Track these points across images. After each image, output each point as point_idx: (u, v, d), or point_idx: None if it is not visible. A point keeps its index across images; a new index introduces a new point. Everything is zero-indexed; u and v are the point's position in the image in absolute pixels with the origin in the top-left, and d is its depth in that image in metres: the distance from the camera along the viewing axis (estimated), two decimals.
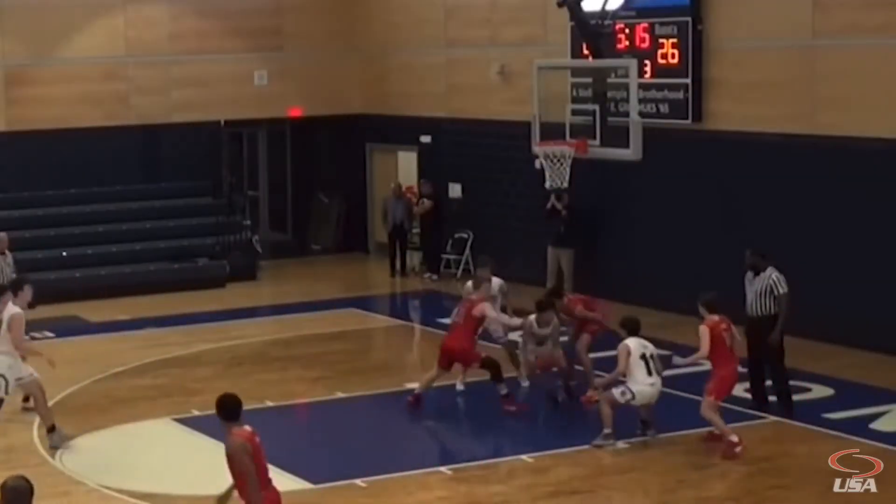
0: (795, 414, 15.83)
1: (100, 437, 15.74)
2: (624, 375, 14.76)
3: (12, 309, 15.07)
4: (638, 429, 15.01)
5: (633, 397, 14.68)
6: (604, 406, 14.78)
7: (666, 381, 16.04)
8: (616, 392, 14.75)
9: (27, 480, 8.00)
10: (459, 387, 17.21)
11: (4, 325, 15.01)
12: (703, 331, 14.65)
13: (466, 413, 17.03)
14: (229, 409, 10.28)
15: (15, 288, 15.43)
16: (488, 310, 16.40)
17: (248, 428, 10.19)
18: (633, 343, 14.78)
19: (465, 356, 16.43)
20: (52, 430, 15.19)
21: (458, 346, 16.38)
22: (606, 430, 14.71)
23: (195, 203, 27.02)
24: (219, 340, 20.72)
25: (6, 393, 15.04)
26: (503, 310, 17.48)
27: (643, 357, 14.70)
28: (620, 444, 14.79)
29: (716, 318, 14.75)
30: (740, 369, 16.74)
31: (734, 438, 14.43)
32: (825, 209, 19.41)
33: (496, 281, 17.36)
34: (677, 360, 15.17)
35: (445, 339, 16.80)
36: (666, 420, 15.00)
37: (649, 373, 14.70)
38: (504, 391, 16.27)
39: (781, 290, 15.85)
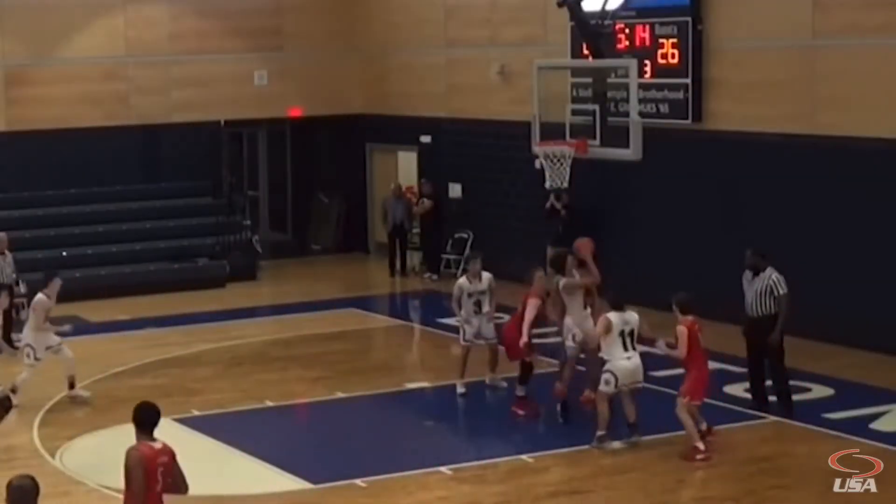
0: (795, 414, 15.83)
1: (100, 437, 15.75)
2: (599, 348, 14.80)
3: None
4: (625, 433, 14.81)
5: (617, 378, 14.53)
6: (600, 404, 14.68)
7: (664, 382, 16.10)
8: (602, 384, 14.65)
9: (33, 479, 7.99)
10: (460, 389, 17.18)
11: None
12: (682, 331, 14.52)
13: (466, 413, 17.02)
14: (141, 418, 9.69)
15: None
16: (529, 309, 16.05)
17: (156, 445, 9.57)
18: (615, 318, 14.65)
19: (512, 347, 16.30)
20: None
21: (510, 335, 16.28)
22: (600, 432, 14.59)
23: (195, 203, 27.03)
24: (219, 340, 20.73)
25: None
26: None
27: (621, 334, 14.61)
28: (616, 444, 14.71)
29: (690, 318, 14.64)
30: (740, 369, 16.80)
31: (700, 446, 14.34)
32: (825, 209, 19.42)
33: (486, 275, 17.30)
34: (659, 344, 14.80)
35: (504, 327, 16.71)
36: (665, 420, 14.95)
37: (625, 348, 14.61)
38: (521, 393, 16.22)
39: (782, 291, 15.84)
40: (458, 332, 17.86)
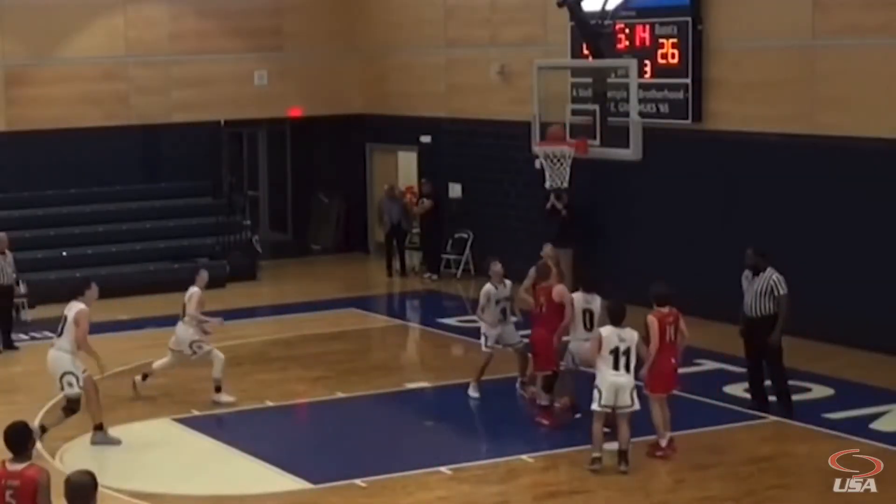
0: (795, 414, 15.82)
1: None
2: (592, 366, 14.28)
3: (77, 306, 15.21)
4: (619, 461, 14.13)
5: (601, 394, 13.90)
6: (594, 423, 14.06)
7: None
8: (593, 402, 14.06)
9: (91, 475, 7.88)
10: (474, 394, 16.96)
11: (70, 322, 15.10)
12: (651, 321, 14.25)
13: (466, 413, 17.00)
14: (4, 439, 8.94)
15: (82, 287, 15.55)
16: (566, 294, 15.62)
17: (13, 467, 8.76)
18: (606, 332, 14.01)
19: (541, 355, 15.90)
20: (99, 427, 15.28)
21: (538, 339, 15.86)
22: (594, 454, 14.00)
23: (195, 203, 27.03)
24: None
25: (80, 387, 15.07)
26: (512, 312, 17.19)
27: (614, 352, 13.88)
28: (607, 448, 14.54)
29: (664, 310, 14.39)
30: (738, 369, 16.78)
31: (662, 442, 14.29)
32: (825, 209, 19.42)
33: (507, 282, 17.04)
34: (643, 373, 14.42)
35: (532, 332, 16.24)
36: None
37: (616, 367, 13.90)
38: (545, 402, 15.78)
39: (782, 291, 15.79)
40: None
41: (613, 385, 13.90)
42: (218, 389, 17.06)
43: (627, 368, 13.95)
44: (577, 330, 15.58)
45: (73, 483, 7.88)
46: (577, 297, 15.68)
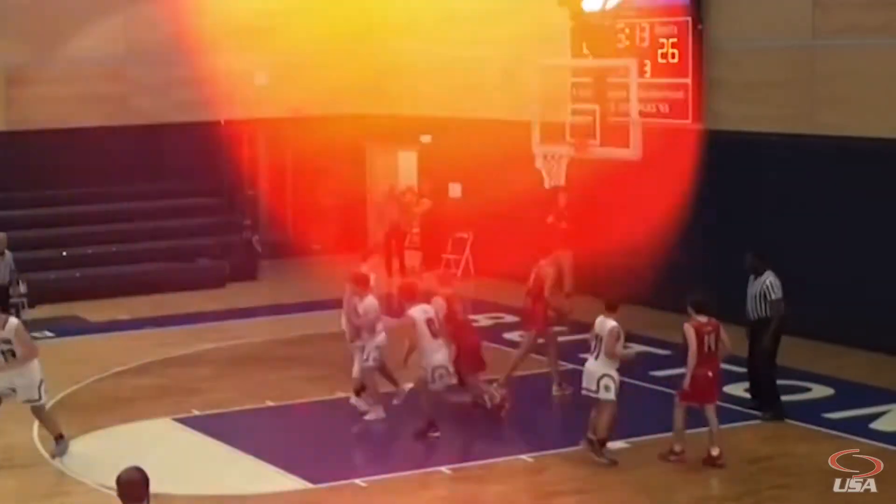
0: (796, 414, 15.81)
1: (100, 437, 15.74)
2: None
3: None
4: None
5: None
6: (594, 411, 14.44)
7: (665, 382, 16.06)
8: None
9: (140, 471, 7.92)
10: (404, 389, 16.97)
11: None
12: (689, 330, 14.10)
13: (465, 413, 16.99)
14: None
15: None
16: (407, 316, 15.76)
17: None
18: (597, 321, 14.30)
19: (477, 357, 16.14)
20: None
21: (474, 345, 16.02)
22: (588, 436, 14.32)
23: (195, 203, 27.03)
24: (219, 340, 20.73)
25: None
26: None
27: (594, 339, 14.18)
28: (620, 444, 14.65)
29: (703, 319, 14.20)
30: (739, 369, 16.75)
31: (677, 447, 14.27)
32: (825, 209, 19.42)
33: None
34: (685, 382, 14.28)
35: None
36: (665, 420, 14.93)
37: (591, 352, 14.20)
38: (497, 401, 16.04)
39: (774, 296, 15.67)
40: None
41: (585, 369, 14.32)
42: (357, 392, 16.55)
43: (597, 356, 14.18)
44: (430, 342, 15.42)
45: (124, 480, 7.91)
46: (416, 311, 15.53)
